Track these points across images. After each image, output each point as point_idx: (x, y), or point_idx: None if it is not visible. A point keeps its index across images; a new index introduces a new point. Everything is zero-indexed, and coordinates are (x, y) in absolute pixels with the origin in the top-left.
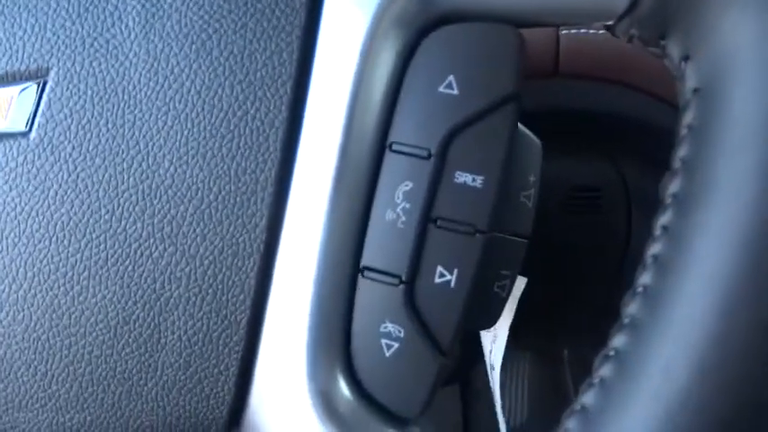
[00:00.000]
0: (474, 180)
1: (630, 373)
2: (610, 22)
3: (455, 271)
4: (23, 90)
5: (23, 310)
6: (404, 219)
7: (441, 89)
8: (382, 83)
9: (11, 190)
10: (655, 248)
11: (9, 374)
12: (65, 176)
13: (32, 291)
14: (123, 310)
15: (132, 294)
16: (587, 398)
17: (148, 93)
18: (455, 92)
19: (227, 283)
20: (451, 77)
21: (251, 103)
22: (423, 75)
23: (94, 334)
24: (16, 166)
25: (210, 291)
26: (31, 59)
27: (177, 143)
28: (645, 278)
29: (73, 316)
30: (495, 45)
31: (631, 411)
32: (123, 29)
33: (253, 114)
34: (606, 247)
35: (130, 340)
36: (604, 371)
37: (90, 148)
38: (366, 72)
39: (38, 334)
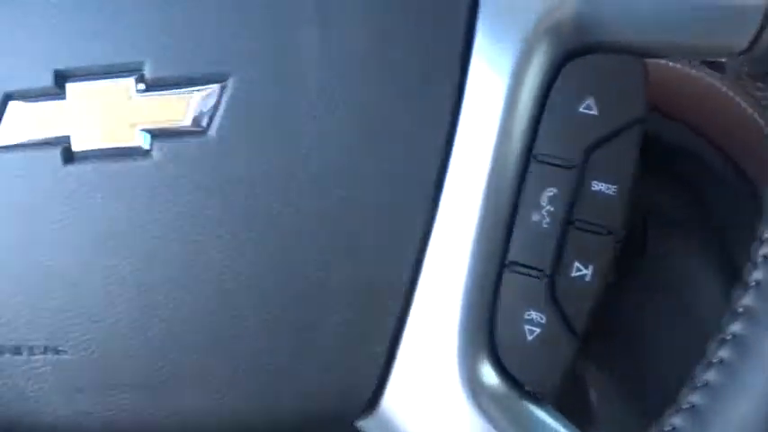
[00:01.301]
0: (608, 189)
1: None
2: (722, 59)
3: (590, 266)
4: (204, 92)
5: (186, 293)
6: (548, 220)
7: (581, 109)
8: (529, 99)
9: (188, 183)
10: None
11: (173, 356)
12: (239, 173)
13: (202, 275)
14: (284, 297)
15: (294, 283)
16: (694, 398)
17: (322, 105)
18: (594, 112)
19: (382, 273)
20: (591, 100)
21: (412, 113)
22: (565, 95)
23: (256, 320)
24: (193, 161)
25: (366, 280)
26: (213, 64)
27: (346, 149)
28: (757, 274)
29: (238, 303)
30: (627, 74)
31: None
32: (300, 40)
33: (414, 123)
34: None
35: (288, 326)
36: (709, 375)
37: (266, 150)
38: (515, 90)
39: (202, 319)
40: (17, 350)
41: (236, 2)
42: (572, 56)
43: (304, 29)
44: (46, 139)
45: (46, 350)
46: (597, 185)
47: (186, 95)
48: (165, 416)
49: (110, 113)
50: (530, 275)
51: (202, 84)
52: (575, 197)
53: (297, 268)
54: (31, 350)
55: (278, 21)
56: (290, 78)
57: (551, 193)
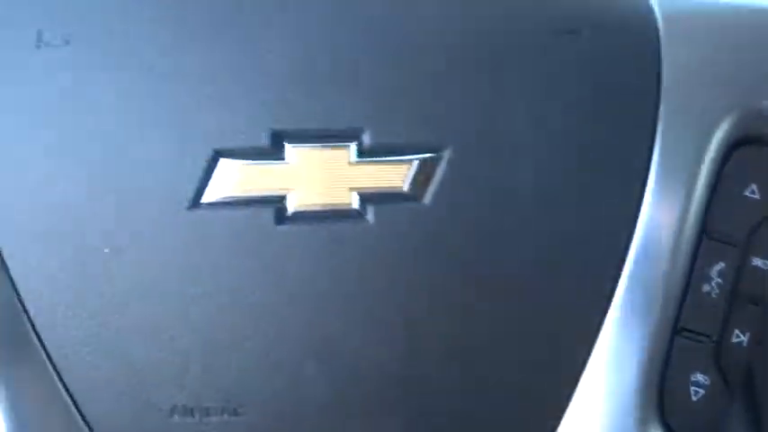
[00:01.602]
0: (765, 264)
1: None
2: None
3: (747, 333)
4: (421, 161)
5: (384, 355)
6: (716, 291)
7: (746, 193)
8: (704, 182)
9: (400, 247)
10: None
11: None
12: (450, 241)
13: (403, 334)
14: (473, 356)
15: (483, 344)
16: None
17: (531, 179)
18: (757, 197)
19: (566, 333)
20: (754, 185)
21: (605, 190)
22: (732, 180)
23: (443, 376)
24: (406, 227)
25: (551, 339)
26: (431, 134)
27: (549, 218)
28: None
29: (430, 360)
30: None
31: None
32: (516, 119)
33: (606, 199)
34: None
35: (472, 382)
36: None
37: (478, 221)
38: (694, 173)
39: (392, 378)
40: (189, 412)
41: (453, 75)
42: (740, 144)
43: (520, 110)
44: (258, 198)
45: (222, 411)
46: (756, 261)
47: (404, 163)
48: None
49: (328, 176)
50: (698, 341)
51: (420, 152)
52: (739, 271)
53: (489, 328)
54: (206, 411)
55: (496, 98)
56: (504, 153)
57: (720, 267)
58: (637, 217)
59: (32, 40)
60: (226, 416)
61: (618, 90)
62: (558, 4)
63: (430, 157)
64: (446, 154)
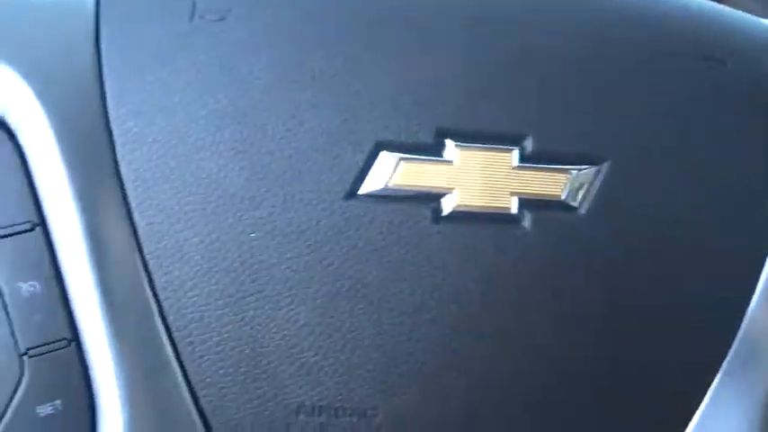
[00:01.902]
0: None
1: None
2: None
3: None
4: (581, 171)
5: (510, 362)
6: None
7: None
8: None
9: (553, 255)
10: None
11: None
12: (603, 252)
13: (535, 344)
14: (598, 373)
15: (612, 362)
16: None
17: (680, 201)
18: None
19: (697, 350)
20: None
21: (742, 215)
22: None
23: (567, 395)
24: (560, 235)
25: (681, 356)
26: (592, 146)
27: (693, 238)
28: None
29: (556, 374)
30: None
31: None
32: (662, 142)
33: (736, 234)
34: None
35: (594, 402)
36: None
37: (631, 233)
38: None
39: (513, 388)
40: (318, 411)
41: (613, 90)
42: None
43: (671, 132)
44: (416, 194)
45: (352, 413)
46: None
47: (563, 172)
48: None
49: (490, 179)
50: None
51: (580, 163)
52: None
53: (623, 344)
54: (336, 412)
55: (650, 117)
56: (661, 169)
57: None
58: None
59: (187, 12)
60: (355, 418)
61: (755, 122)
62: (708, 29)
63: (589, 169)
64: (604, 167)
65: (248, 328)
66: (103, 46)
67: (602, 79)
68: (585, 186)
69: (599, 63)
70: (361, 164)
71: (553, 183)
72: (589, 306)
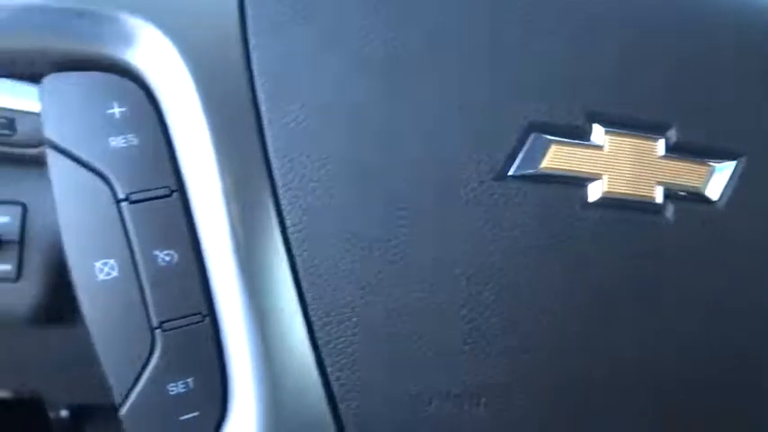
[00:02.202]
0: None
1: None
2: None
3: None
4: (722, 164)
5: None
6: None
7: None
8: None
9: (691, 245)
10: None
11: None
12: (739, 246)
13: (677, 329)
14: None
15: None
16: None
17: None
18: None
19: None
20: None
21: None
22: None
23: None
24: (699, 226)
25: None
26: (734, 141)
27: None
28: None
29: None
30: None
31: None
32: None
33: None
34: None
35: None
36: None
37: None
38: None
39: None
40: (453, 398)
41: (755, 89)
42: None
43: None
44: (566, 177)
45: (481, 398)
46: None
47: (706, 165)
48: None
49: (637, 166)
50: None
51: (720, 157)
52: None
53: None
54: (466, 398)
55: None
56: None
57: None
58: None
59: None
60: (483, 403)
61: None
62: None
63: (729, 164)
64: (743, 161)
65: (387, 309)
66: (248, 7)
67: (743, 79)
68: (725, 180)
69: (740, 64)
70: (512, 144)
71: (696, 175)
72: (722, 296)
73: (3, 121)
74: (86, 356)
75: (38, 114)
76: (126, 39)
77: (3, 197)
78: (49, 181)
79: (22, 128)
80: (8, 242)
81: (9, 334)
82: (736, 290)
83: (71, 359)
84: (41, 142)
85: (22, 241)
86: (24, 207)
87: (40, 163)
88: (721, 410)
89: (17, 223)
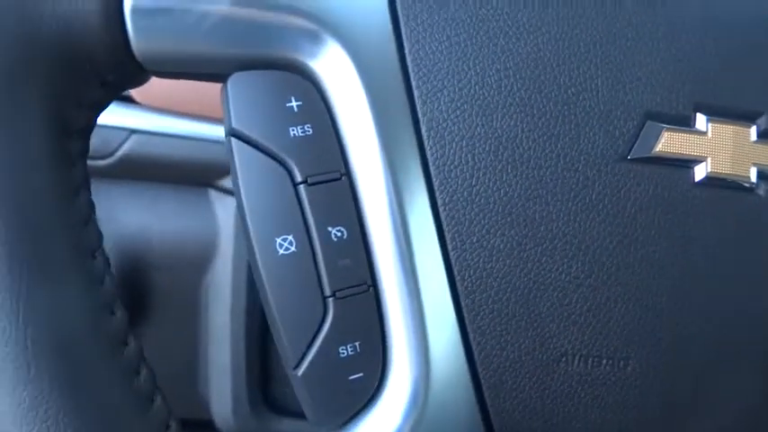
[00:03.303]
0: None
1: None
2: None
3: None
4: None
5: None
6: None
7: None
8: None
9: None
10: None
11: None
12: None
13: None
14: None
15: None
16: None
17: None
18: None
19: None
20: None
21: None
22: None
23: None
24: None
25: None
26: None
27: None
28: None
29: None
30: None
31: None
32: None
33: None
34: None
35: None
36: None
37: None
38: None
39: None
40: (581, 359)
41: None
42: None
43: None
44: (676, 160)
45: (610, 361)
46: None
47: None
48: None
49: (735, 150)
50: None
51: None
52: None
53: None
54: (597, 361)
55: None
56: None
57: None
58: None
59: None
60: (609, 366)
61: None
62: None
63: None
64: None
65: (525, 279)
66: (399, 7)
67: None
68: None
69: None
70: (632, 131)
71: None
72: None
73: None
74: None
75: (107, 128)
76: (310, 47)
77: None
78: (117, 191)
79: (92, 140)
80: None
81: None
82: None
83: None
84: (111, 154)
85: None
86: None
87: (108, 174)
88: None
89: None
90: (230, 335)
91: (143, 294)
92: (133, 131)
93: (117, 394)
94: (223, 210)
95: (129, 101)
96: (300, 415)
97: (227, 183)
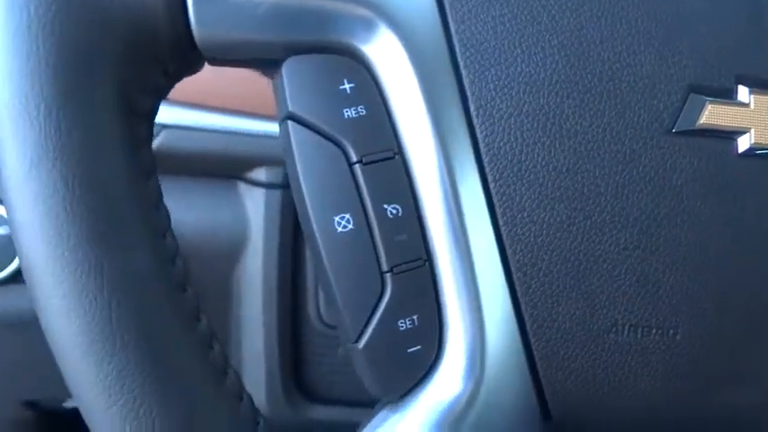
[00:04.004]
0: None
1: None
2: None
3: None
4: None
5: None
6: None
7: None
8: None
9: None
10: None
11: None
12: None
13: None
14: None
15: None
16: None
17: None
18: None
19: None
20: None
21: None
22: None
23: None
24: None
25: None
26: None
27: None
28: None
29: None
30: None
31: None
32: None
33: None
34: None
35: None
36: None
37: None
38: None
39: None
40: (631, 329)
41: None
42: None
43: None
44: (720, 131)
45: (659, 332)
46: None
47: None
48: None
49: None
50: None
51: None
52: None
53: None
54: (647, 331)
55: None
56: None
57: None
58: None
59: None
60: (658, 336)
61: None
62: None
63: None
64: None
65: (575, 251)
66: None
67: None
68: None
69: None
70: (676, 104)
71: None
72: None
73: None
74: None
75: None
76: (362, 32)
77: None
78: None
79: None
80: None
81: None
82: None
83: None
84: None
85: None
86: None
87: None
88: None
89: None
90: (262, 324)
91: None
92: (164, 126)
93: (195, 366)
94: (252, 202)
95: None
96: (333, 402)
97: (255, 175)
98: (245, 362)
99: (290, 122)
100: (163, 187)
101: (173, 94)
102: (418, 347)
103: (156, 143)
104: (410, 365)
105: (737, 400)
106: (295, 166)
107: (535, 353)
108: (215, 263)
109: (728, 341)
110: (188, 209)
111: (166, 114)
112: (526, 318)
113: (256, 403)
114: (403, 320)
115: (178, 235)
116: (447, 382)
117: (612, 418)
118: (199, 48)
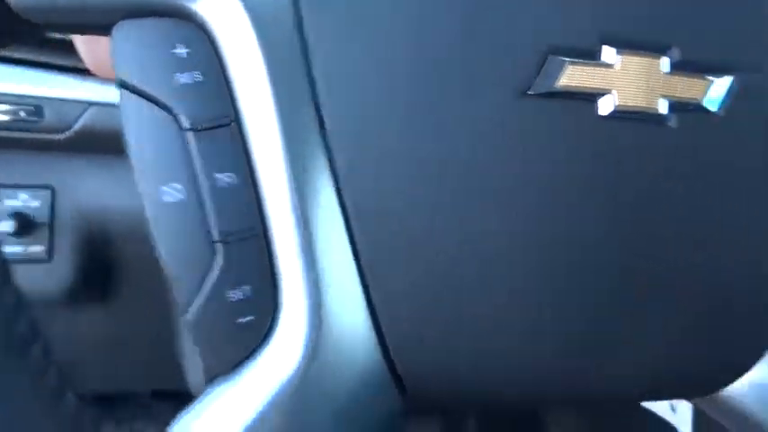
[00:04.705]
0: None
1: None
2: None
3: None
4: (720, 79)
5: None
6: None
7: None
8: None
9: (693, 153)
10: None
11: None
12: (737, 154)
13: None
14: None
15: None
16: None
17: None
18: None
19: None
20: None
21: None
22: None
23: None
24: (700, 136)
25: None
26: (727, 56)
27: None
28: None
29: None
30: None
31: None
32: None
33: None
34: None
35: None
36: None
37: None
38: None
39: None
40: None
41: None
42: None
43: None
44: (581, 93)
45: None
46: None
47: (705, 79)
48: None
49: (643, 82)
50: None
51: (719, 73)
52: None
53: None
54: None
55: None
56: None
57: None
58: None
59: None
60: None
61: None
62: None
63: (726, 78)
64: (740, 76)
65: (423, 221)
66: None
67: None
68: (723, 93)
69: None
70: (532, 67)
71: (696, 88)
72: (726, 202)
73: (30, 108)
74: (117, 337)
75: (64, 101)
76: None
77: (32, 182)
78: (76, 164)
79: (50, 114)
80: (39, 224)
81: (41, 314)
82: (735, 192)
83: (102, 340)
84: (68, 127)
85: (51, 223)
86: (53, 191)
87: (67, 148)
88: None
89: (47, 206)
90: None
91: (111, 266)
92: (90, 104)
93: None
94: None
95: (86, 73)
96: None
97: None
98: (188, 343)
99: (121, 89)
100: (91, 166)
101: (99, 71)
102: (251, 318)
103: (82, 121)
104: (241, 336)
105: (594, 372)
106: (127, 135)
107: (383, 327)
108: (148, 242)
109: (588, 311)
110: (116, 188)
111: (94, 91)
112: (372, 291)
113: (199, 385)
114: (234, 291)
115: (108, 214)
116: (282, 353)
117: (469, 392)
118: (14, 10)
